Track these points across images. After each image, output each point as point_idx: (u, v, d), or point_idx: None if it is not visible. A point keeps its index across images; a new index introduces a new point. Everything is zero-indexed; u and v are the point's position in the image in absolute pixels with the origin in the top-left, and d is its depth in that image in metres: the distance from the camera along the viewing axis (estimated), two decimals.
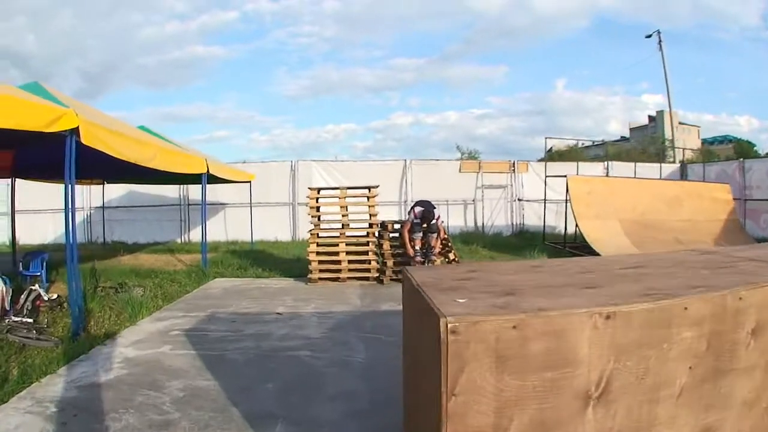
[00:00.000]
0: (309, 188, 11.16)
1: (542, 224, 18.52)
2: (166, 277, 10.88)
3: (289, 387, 4.95)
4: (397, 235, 10.78)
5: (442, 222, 10.53)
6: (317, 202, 10.95)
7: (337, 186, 11.53)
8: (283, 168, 19.35)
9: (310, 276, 10.52)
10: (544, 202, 17.13)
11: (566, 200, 15.54)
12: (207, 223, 13.41)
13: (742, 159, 20.36)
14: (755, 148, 37.72)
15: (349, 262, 10.63)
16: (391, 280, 10.41)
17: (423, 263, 10.11)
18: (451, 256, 10.84)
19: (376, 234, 10.88)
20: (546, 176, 16.87)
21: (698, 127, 42.74)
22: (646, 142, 37.21)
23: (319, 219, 10.92)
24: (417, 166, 19.84)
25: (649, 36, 30.74)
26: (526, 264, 4.13)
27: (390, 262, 10.49)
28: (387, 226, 10.86)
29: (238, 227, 18.18)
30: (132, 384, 5.01)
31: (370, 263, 10.62)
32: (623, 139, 48.30)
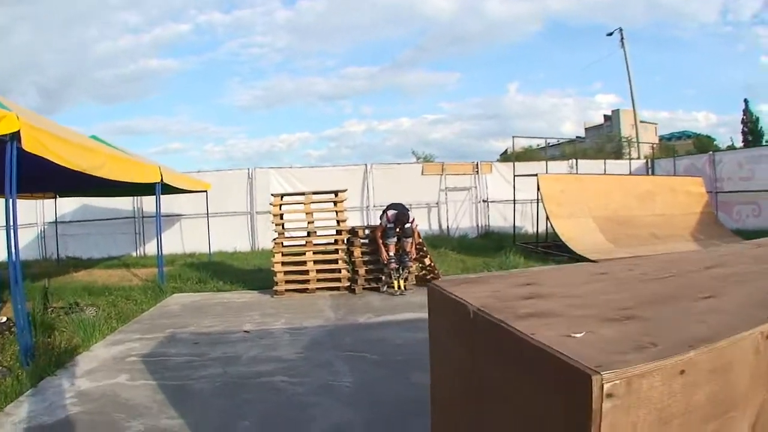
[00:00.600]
0: (272, 195, 10.46)
1: (508, 225, 18.58)
2: (120, 294, 10.08)
3: (268, 423, 4.28)
4: (368, 241, 10.22)
5: (417, 225, 10.01)
6: (280, 209, 10.30)
7: (301, 191, 10.91)
8: (240, 176, 18.70)
9: (275, 288, 9.87)
10: (514, 203, 16.84)
11: (534, 200, 15.40)
12: (162, 235, 12.53)
13: (711, 152, 20.36)
14: (715, 142, 38.04)
15: (318, 271, 10.00)
16: (364, 289, 9.86)
17: (398, 270, 9.63)
18: (427, 261, 10.30)
19: (346, 241, 10.27)
20: (515, 175, 16.49)
21: (655, 124, 43.26)
22: (602, 141, 37.59)
23: (283, 227, 10.28)
24: (378, 170, 19.34)
25: (611, 34, 30.75)
26: (583, 270, 3.34)
27: (362, 270, 9.90)
28: (357, 231, 10.25)
29: (195, 239, 17.39)
30: (87, 426, 4.31)
31: (340, 272, 10.00)
32: (579, 138, 48.50)
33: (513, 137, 15.86)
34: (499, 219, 19.75)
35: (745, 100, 38.38)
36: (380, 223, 9.84)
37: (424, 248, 10.33)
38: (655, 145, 26.34)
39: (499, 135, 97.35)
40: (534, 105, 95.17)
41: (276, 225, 10.23)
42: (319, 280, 9.99)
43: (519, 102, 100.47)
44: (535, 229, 17.14)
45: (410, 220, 9.74)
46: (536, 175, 14.77)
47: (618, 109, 44.27)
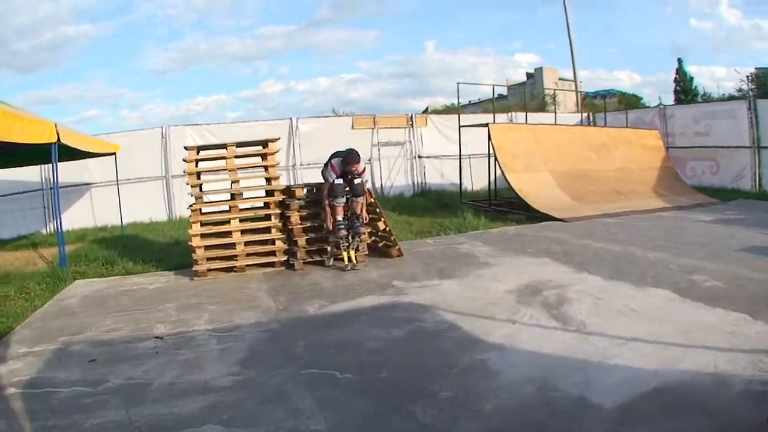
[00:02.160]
0: (186, 147, 8.40)
1: (446, 182, 17.66)
2: (16, 285, 7.87)
3: None
4: (307, 203, 8.35)
5: (367, 181, 8.28)
6: (197, 165, 8.28)
7: (222, 143, 8.80)
8: (153, 137, 15.98)
9: (195, 268, 7.92)
10: (459, 157, 15.23)
11: (476, 154, 14.26)
12: (71, 208, 11.57)
13: (662, 105, 19.54)
14: (642, 101, 37.73)
15: (247, 244, 8.12)
16: (306, 263, 8.07)
17: (347, 238, 7.87)
18: (381, 225, 8.58)
19: (280, 204, 8.36)
20: (460, 126, 14.82)
21: (580, 82, 42.94)
22: (526, 98, 36.23)
23: (201, 189, 8.25)
24: (305, 124, 17.26)
25: None
26: None
27: (302, 241, 8.06)
28: (294, 192, 8.31)
29: (108, 210, 14.67)
30: None
31: (274, 243, 8.15)
32: (501, 96, 47.99)
33: (458, 83, 14.17)
34: (436, 176, 18.33)
35: (679, 60, 38.35)
36: (325, 179, 8.03)
37: (378, 209, 8.60)
38: (584, 101, 25.38)
39: (417, 94, 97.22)
40: (453, 63, 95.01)
41: (192, 186, 8.19)
42: (249, 255, 8.12)
43: (437, 60, 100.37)
44: (478, 186, 15.93)
45: (361, 171, 8.02)
46: (486, 125, 13.23)
47: (541, 67, 43.69)
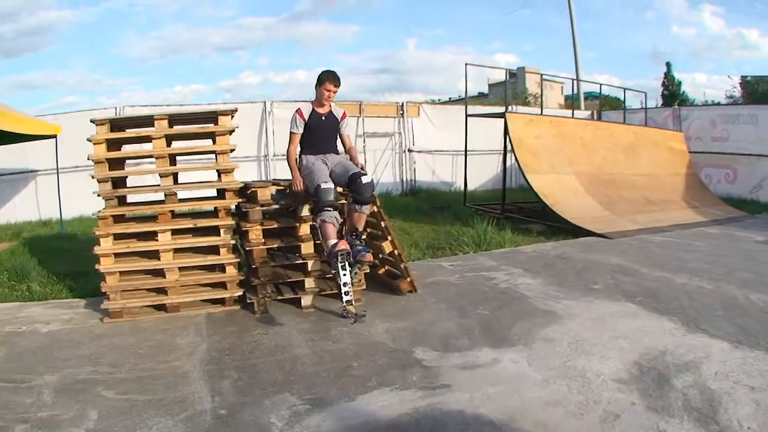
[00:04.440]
0: (93, 121, 5.19)
1: (438, 180, 15.45)
2: None
3: None
4: (272, 206, 5.40)
5: (363, 169, 5.17)
6: (108, 147, 5.13)
7: (149, 114, 5.69)
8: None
9: (107, 303, 4.96)
10: (465, 152, 12.23)
11: (486, 150, 11.40)
12: (16, 197, 11.16)
13: (677, 105, 17.14)
14: (624, 103, 36.41)
15: (183, 270, 5.15)
16: (270, 301, 5.12)
17: (347, 265, 4.71)
18: (387, 246, 5.44)
19: (233, 210, 5.46)
20: (467, 115, 11.81)
21: (561, 83, 40.91)
22: (507, 98, 34.34)
23: (114, 185, 5.17)
24: (280, 109, 13.94)
25: None
26: None
27: (264, 269, 5.08)
28: (255, 193, 5.28)
29: (55, 201, 11.54)
30: None
31: (224, 270, 5.20)
32: (482, 94, 45.93)
33: (466, 65, 11.26)
34: (427, 172, 15.64)
35: (668, 64, 37.68)
36: (291, 137, 5.27)
37: (384, 222, 5.51)
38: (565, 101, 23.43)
39: (395, 89, 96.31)
40: (432, 60, 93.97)
41: (100, 182, 5.10)
42: (186, 287, 5.17)
43: (417, 57, 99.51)
44: (474, 186, 13.51)
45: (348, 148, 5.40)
46: (503, 114, 10.34)
47: (523, 67, 41.61)
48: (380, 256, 5.67)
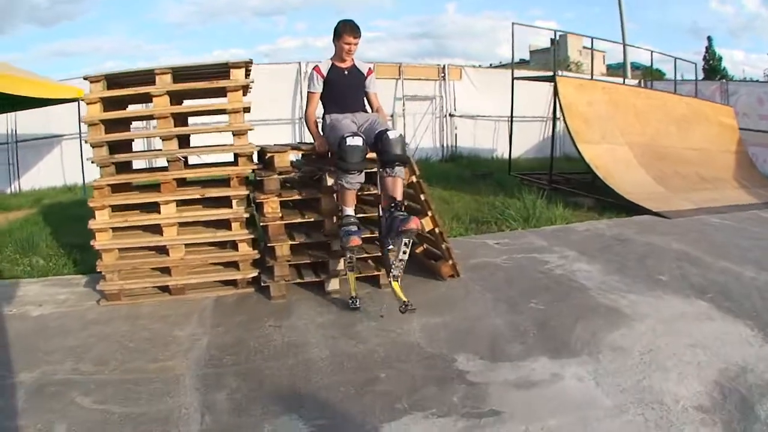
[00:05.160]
0: (87, 78, 4.44)
1: (479, 147, 14.60)
2: None
3: None
4: (293, 174, 4.59)
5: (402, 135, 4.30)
6: (104, 107, 4.39)
7: (149, 68, 4.69)
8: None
9: (104, 285, 4.31)
10: (511, 118, 11.28)
11: (530, 117, 11.26)
12: (41, 163, 11.17)
13: (723, 80, 15.94)
14: (665, 75, 35.65)
15: (189, 247, 4.48)
16: (290, 285, 4.42)
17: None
18: (427, 223, 4.45)
19: (248, 180, 4.65)
20: (514, 78, 10.79)
21: (603, 52, 39.46)
22: (549, 64, 33.54)
23: (111, 150, 4.44)
24: None
25: None
26: None
27: (283, 247, 4.31)
28: (272, 158, 4.49)
29: (80, 167, 11.10)
30: None
31: (236, 248, 4.49)
32: (523, 61, 44.83)
33: (513, 24, 10.29)
34: (468, 138, 14.72)
35: (709, 38, 37.57)
36: (308, 98, 4.66)
37: (423, 195, 4.58)
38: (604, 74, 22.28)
39: (435, 54, 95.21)
40: (472, 26, 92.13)
41: (94, 148, 4.39)
42: (192, 269, 4.49)
43: (456, 22, 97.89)
44: (517, 154, 12.71)
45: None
46: (552, 77, 9.41)
47: (565, 33, 40.37)
48: (420, 233, 4.87)
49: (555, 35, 11.74)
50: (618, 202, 7.90)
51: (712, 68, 33.25)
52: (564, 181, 10.06)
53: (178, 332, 3.75)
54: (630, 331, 3.58)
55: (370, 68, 4.64)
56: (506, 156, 12.56)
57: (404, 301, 3.85)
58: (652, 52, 14.55)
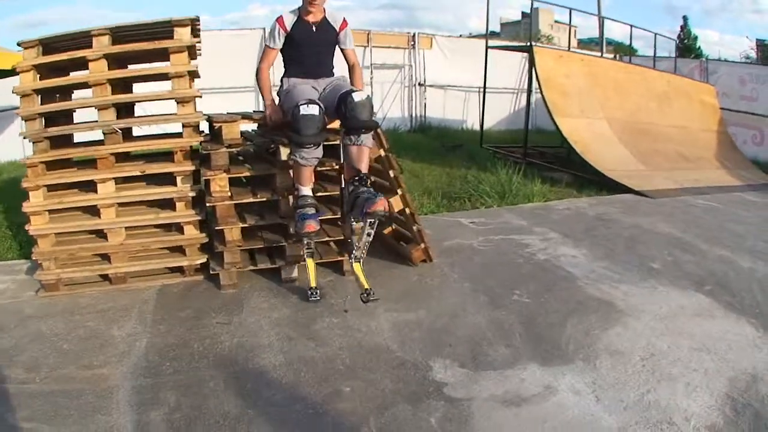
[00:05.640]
0: (20, 43, 3.77)
1: (449, 118, 13.81)
2: None
3: None
4: (243, 147, 4.20)
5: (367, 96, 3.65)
6: (36, 73, 3.79)
7: (84, 30, 4.15)
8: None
9: (41, 274, 3.74)
10: (483, 89, 10.83)
11: (501, 88, 11.55)
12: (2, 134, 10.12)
13: (704, 58, 15.71)
14: (637, 52, 35.77)
15: (130, 231, 3.89)
16: (241, 272, 3.87)
17: (348, 229, 3.84)
18: (397, 203, 4.03)
19: (190, 153, 4.02)
20: (488, 47, 10.37)
21: (575, 27, 39.44)
22: (520, 37, 33.14)
23: (46, 122, 3.87)
24: None
25: None
26: None
27: (233, 232, 3.78)
28: (220, 129, 3.87)
29: None
30: None
31: (182, 230, 3.94)
32: (493, 33, 44.54)
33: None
34: (438, 109, 14.11)
35: (684, 17, 37.68)
36: (263, 58, 3.98)
37: (393, 171, 4.07)
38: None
39: (405, 25, 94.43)
40: None
41: (26, 121, 3.84)
42: (135, 256, 3.93)
43: None
44: (487, 126, 11.87)
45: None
46: (528, 47, 8.94)
47: (537, 7, 40.17)
48: (387, 214, 4.37)
49: (531, 4, 11.23)
50: (597, 178, 7.52)
51: (687, 47, 32.93)
52: (538, 155, 9.65)
53: (115, 331, 3.20)
54: (626, 331, 3.15)
55: (344, 20, 3.96)
56: (476, 128, 12.16)
57: (366, 289, 3.42)
58: (631, 26, 14.13)
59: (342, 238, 3.94)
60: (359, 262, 3.64)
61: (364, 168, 3.56)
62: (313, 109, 3.34)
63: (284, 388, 2.59)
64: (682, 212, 6.21)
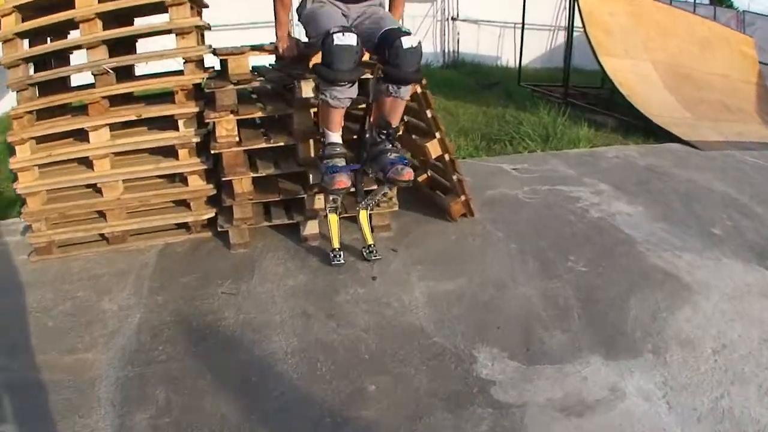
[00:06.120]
0: None
1: (483, 54, 13.25)
2: None
3: None
4: (254, 84, 3.68)
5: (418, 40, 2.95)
6: (20, 16, 3.20)
7: None
8: None
9: (32, 236, 3.29)
10: (522, 24, 10.34)
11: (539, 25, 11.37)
12: None
13: (741, 9, 14.91)
14: (673, 2, 34.48)
15: (128, 183, 3.40)
16: (254, 228, 3.41)
17: (358, 189, 3.17)
18: (434, 148, 3.47)
19: (193, 94, 3.42)
20: None
21: None
22: None
23: (34, 66, 3.34)
24: None
25: None
26: None
27: (243, 182, 3.27)
28: (226, 63, 3.33)
29: None
30: None
31: (186, 182, 3.44)
32: None
33: None
34: (471, 45, 13.48)
35: None
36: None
37: (432, 113, 3.47)
38: None
39: None
40: None
41: (9, 68, 3.26)
42: (132, 212, 3.46)
43: None
44: (524, 63, 11.34)
45: None
46: None
47: None
48: (426, 161, 3.85)
49: None
50: (643, 124, 6.91)
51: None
52: (580, 96, 9.02)
53: (106, 304, 2.77)
54: (696, 314, 2.64)
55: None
56: (512, 65, 11.71)
57: (369, 244, 3.02)
58: None
59: (372, 188, 3.35)
60: (366, 209, 3.18)
61: (395, 121, 3.00)
62: (350, 39, 2.63)
63: (296, 385, 2.15)
64: (734, 169, 5.53)
